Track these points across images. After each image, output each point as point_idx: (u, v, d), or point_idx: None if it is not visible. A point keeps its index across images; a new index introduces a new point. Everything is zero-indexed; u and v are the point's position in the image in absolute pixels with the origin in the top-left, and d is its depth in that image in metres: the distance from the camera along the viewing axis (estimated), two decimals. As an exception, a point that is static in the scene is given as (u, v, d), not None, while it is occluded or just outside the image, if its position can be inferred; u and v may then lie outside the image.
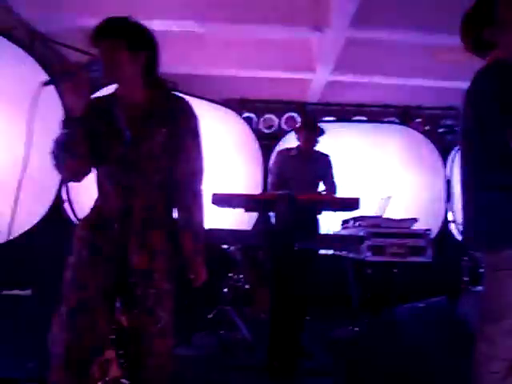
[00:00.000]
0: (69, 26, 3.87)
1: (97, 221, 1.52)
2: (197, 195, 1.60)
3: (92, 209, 1.57)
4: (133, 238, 1.48)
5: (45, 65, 3.59)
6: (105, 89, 1.67)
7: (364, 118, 5.91)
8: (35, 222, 3.10)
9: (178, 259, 1.57)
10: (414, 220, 3.14)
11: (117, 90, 1.55)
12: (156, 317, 1.48)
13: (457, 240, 5.18)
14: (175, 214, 1.61)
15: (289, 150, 3.52)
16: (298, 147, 3.43)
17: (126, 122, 1.48)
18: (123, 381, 2.26)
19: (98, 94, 1.62)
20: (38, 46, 3.87)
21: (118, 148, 1.48)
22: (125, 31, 1.44)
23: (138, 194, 1.50)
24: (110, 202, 1.51)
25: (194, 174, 1.59)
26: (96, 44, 1.44)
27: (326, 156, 3.49)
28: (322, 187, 3.47)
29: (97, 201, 1.57)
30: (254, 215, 4.64)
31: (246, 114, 5.73)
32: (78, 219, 3.44)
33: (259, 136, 5.49)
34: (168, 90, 1.61)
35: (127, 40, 1.43)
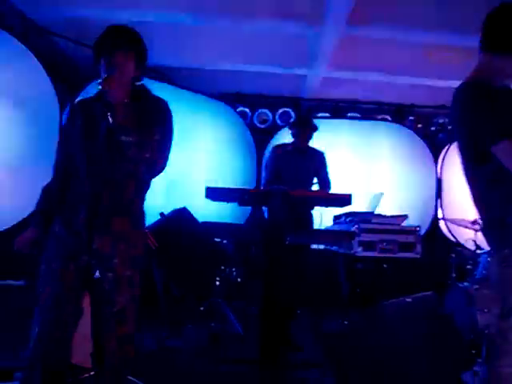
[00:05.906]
0: (64, 16, 3.83)
1: (65, 213, 1.58)
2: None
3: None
4: (98, 223, 1.53)
5: (39, 55, 3.56)
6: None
7: (358, 115, 5.94)
8: (28, 213, 3.11)
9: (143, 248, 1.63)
10: (405, 217, 3.20)
11: (104, 92, 1.54)
12: (112, 301, 1.53)
13: (445, 237, 5.26)
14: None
15: (284, 145, 3.53)
16: (293, 143, 3.45)
17: (108, 117, 1.51)
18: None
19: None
20: (32, 36, 3.84)
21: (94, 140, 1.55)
22: (135, 44, 1.60)
23: (107, 182, 1.56)
24: (79, 191, 1.57)
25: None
26: (106, 53, 1.53)
27: (321, 153, 3.52)
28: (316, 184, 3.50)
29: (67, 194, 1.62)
30: (248, 209, 4.66)
31: (241, 109, 5.73)
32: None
33: (253, 130, 5.52)
34: (146, 90, 1.69)
35: (136, 52, 1.59)
